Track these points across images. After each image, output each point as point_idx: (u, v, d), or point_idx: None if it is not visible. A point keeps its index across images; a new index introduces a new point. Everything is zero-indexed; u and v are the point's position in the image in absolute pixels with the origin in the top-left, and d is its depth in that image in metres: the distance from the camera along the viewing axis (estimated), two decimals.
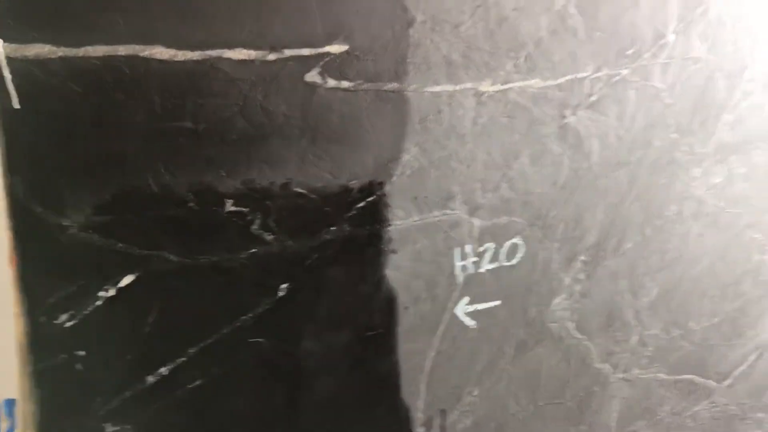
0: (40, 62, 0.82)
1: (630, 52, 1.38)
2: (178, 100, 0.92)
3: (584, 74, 1.32)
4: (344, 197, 1.07)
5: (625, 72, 1.38)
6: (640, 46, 1.39)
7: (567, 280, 1.37)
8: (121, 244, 0.90)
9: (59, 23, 0.83)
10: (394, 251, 1.14)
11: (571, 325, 1.40)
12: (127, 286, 0.91)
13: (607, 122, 1.37)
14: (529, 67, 1.25)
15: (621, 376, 1.51)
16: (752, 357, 1.78)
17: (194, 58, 0.92)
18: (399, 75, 1.10)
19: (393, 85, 1.10)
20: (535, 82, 1.26)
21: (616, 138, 1.39)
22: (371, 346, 1.15)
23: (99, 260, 0.89)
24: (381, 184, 1.11)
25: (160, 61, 0.90)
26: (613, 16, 1.34)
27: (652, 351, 1.56)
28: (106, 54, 0.86)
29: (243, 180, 0.98)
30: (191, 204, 0.95)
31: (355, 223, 1.09)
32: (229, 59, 0.95)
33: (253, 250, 1.01)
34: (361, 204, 1.09)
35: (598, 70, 1.34)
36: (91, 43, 0.85)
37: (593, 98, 1.34)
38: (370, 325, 1.14)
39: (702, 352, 1.66)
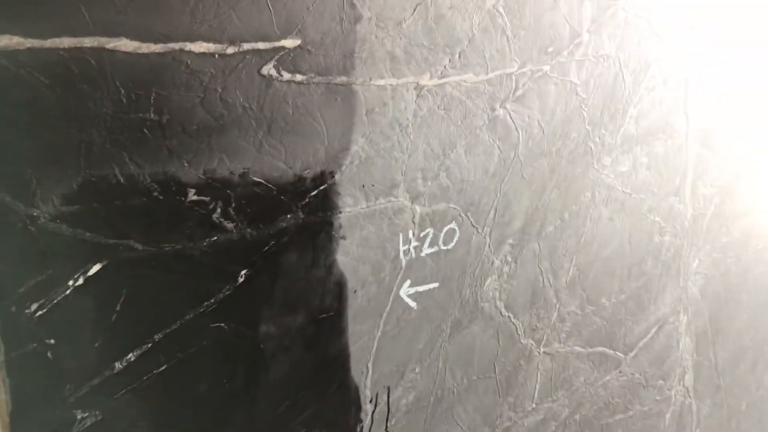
0: (9, 53, 0.82)
1: (550, 49, 1.49)
2: (142, 92, 0.94)
3: (511, 70, 1.42)
4: (298, 186, 1.12)
5: (546, 68, 1.49)
6: (559, 44, 1.51)
7: (497, 263, 1.47)
8: (88, 234, 0.92)
9: (27, 14, 0.83)
10: (343, 237, 1.20)
11: (500, 304, 1.50)
12: (95, 274, 0.93)
13: (531, 115, 1.48)
14: (463, 62, 1.33)
15: (543, 350, 1.63)
16: (653, 330, 1.95)
17: (157, 51, 0.94)
18: (347, 69, 1.16)
19: (342, 79, 1.15)
20: (469, 77, 1.34)
21: (539, 129, 1.50)
22: (324, 328, 1.20)
23: (68, 250, 0.90)
24: (332, 174, 1.16)
25: (125, 53, 0.91)
26: (536, 16, 1.44)
27: (570, 326, 1.69)
28: (73, 45, 0.87)
29: (204, 170, 1.01)
30: (155, 194, 0.97)
31: (308, 210, 1.14)
32: (190, 52, 0.97)
33: (215, 238, 1.04)
34: (314, 193, 1.14)
35: (523, 66, 1.44)
36: (58, 35, 0.86)
37: (519, 92, 1.44)
38: (323, 308, 1.19)
39: (611, 326, 1.81)
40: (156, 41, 0.94)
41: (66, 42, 0.86)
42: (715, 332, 2.20)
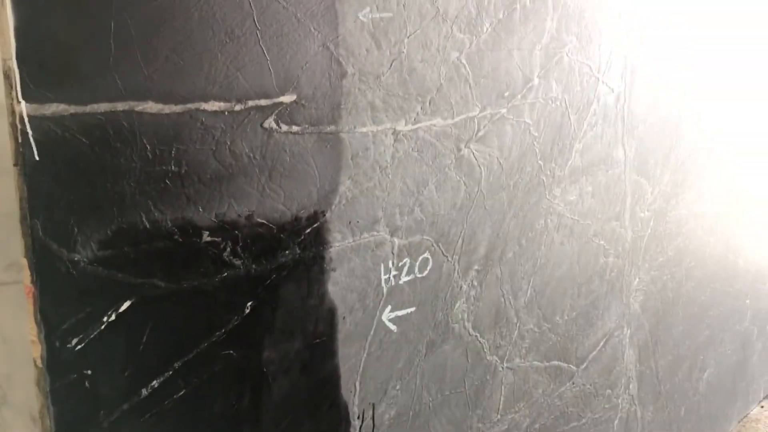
0: (56, 119, 0.94)
1: (506, 94, 1.67)
2: (165, 147, 1.06)
3: (474, 113, 1.59)
4: (295, 225, 1.25)
5: (503, 111, 1.67)
6: (514, 89, 1.69)
7: (464, 287, 1.63)
8: (120, 274, 1.03)
9: (70, 85, 0.95)
10: (333, 269, 1.33)
11: (468, 325, 1.65)
12: (125, 310, 1.04)
13: (491, 153, 1.65)
14: (432, 109, 1.49)
15: (506, 365, 1.79)
16: (601, 343, 2.14)
17: (177, 111, 1.07)
18: (335, 119, 1.30)
19: (331, 128, 1.29)
20: (438, 122, 1.50)
21: (498, 166, 1.67)
22: (317, 352, 1.33)
23: (103, 289, 1.01)
24: (323, 213, 1.30)
25: (151, 114, 1.04)
26: (493, 65, 1.62)
27: (529, 343, 1.86)
28: (108, 110, 0.99)
29: (216, 214, 1.14)
30: (176, 236, 1.09)
31: (304, 246, 1.27)
32: (204, 110, 1.10)
33: (225, 274, 1.16)
34: (308, 230, 1.28)
35: (483, 109, 1.61)
36: (96, 101, 0.98)
37: (480, 133, 1.61)
38: (316, 334, 1.32)
39: (565, 341, 1.99)
40: (176, 102, 1.06)
41: (103, 107, 0.98)
42: (655, 343, 2.41)
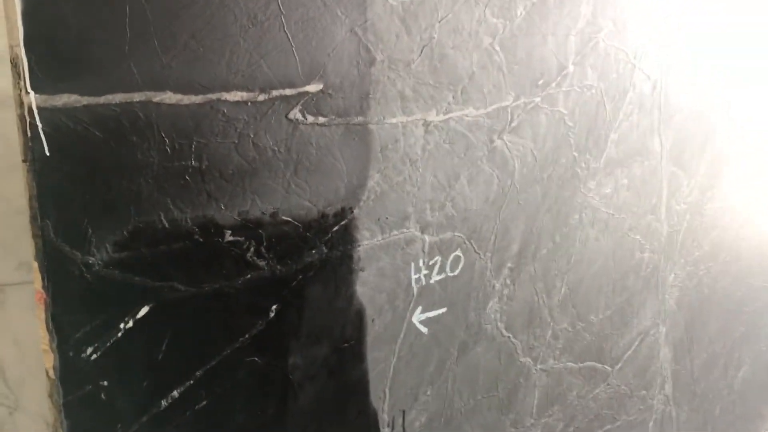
0: (67, 111, 0.87)
1: (541, 82, 1.58)
2: (184, 141, 0.99)
3: (507, 103, 1.50)
4: (322, 223, 1.18)
5: (537, 100, 1.58)
6: (548, 76, 1.60)
7: (497, 286, 1.55)
8: (137, 278, 0.96)
9: (82, 74, 0.88)
10: (362, 269, 1.26)
11: (501, 326, 1.57)
12: (143, 317, 0.97)
13: (525, 144, 1.56)
14: (464, 98, 1.40)
15: (540, 367, 1.71)
16: (636, 342, 2.05)
17: (197, 102, 0.99)
18: (363, 109, 1.22)
19: (359, 119, 1.21)
20: (470, 111, 1.42)
21: (532, 158, 1.58)
22: (345, 356, 1.25)
23: (119, 294, 0.94)
24: (351, 209, 1.22)
25: (169, 105, 0.96)
26: (527, 52, 1.53)
27: (563, 343, 1.77)
28: (124, 101, 0.92)
29: (239, 212, 1.06)
30: (196, 236, 1.02)
31: (331, 245, 1.20)
32: (226, 101, 1.03)
33: (248, 276, 1.09)
34: (335, 228, 1.20)
35: (517, 98, 1.52)
36: (110, 92, 0.90)
37: (514, 124, 1.52)
38: (344, 338, 1.25)
39: (599, 341, 1.90)
40: (196, 93, 0.99)
41: (118, 98, 0.91)
42: (690, 341, 2.31)
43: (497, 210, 1.52)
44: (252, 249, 1.09)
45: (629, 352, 2.03)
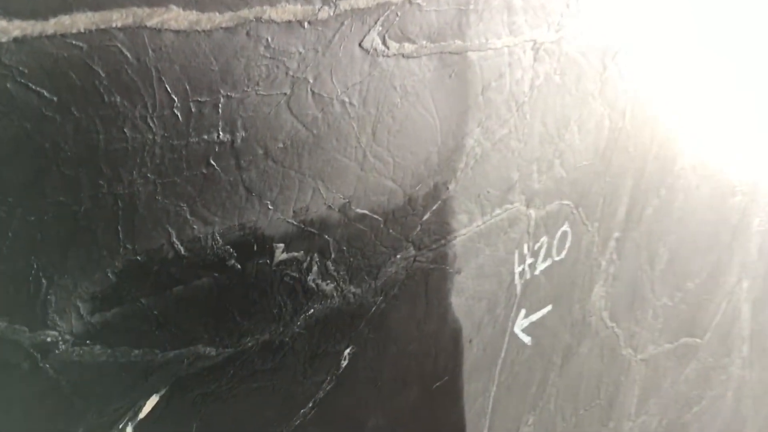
0: None
1: None
2: (206, 98, 0.54)
3: (624, 16, 1.07)
4: (408, 211, 0.75)
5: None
6: None
7: (603, 264, 1.16)
8: (136, 351, 0.53)
9: None
10: (458, 271, 0.85)
11: (605, 315, 1.19)
12: (152, 411, 0.55)
13: (642, 71, 1.14)
14: (578, 8, 0.97)
15: (640, 357, 1.35)
16: (723, 305, 1.70)
17: (224, 25, 0.54)
18: (462, 28, 0.78)
19: (457, 44, 0.77)
20: (583, 28, 0.99)
21: (646, 89, 1.16)
22: (437, 399, 0.86)
23: (105, 387, 0.52)
24: (446, 185, 0.80)
25: (176, 32, 0.51)
26: None
27: (662, 322, 1.41)
28: (93, 27, 0.47)
29: (294, 210, 0.63)
30: (231, 262, 0.59)
31: (420, 243, 0.78)
32: (270, 21, 0.58)
33: (310, 311, 0.67)
34: (426, 216, 0.78)
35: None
36: (66, 10, 0.45)
37: (631, 41, 1.09)
38: (437, 374, 0.85)
39: (693, 311, 1.55)
40: (221, 9, 0.54)
41: (81, 21, 0.46)
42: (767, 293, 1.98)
43: (607, 163, 1.11)
44: (315, 268, 0.66)
45: (717, 318, 1.68)
